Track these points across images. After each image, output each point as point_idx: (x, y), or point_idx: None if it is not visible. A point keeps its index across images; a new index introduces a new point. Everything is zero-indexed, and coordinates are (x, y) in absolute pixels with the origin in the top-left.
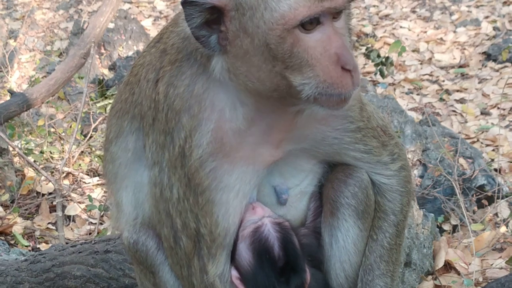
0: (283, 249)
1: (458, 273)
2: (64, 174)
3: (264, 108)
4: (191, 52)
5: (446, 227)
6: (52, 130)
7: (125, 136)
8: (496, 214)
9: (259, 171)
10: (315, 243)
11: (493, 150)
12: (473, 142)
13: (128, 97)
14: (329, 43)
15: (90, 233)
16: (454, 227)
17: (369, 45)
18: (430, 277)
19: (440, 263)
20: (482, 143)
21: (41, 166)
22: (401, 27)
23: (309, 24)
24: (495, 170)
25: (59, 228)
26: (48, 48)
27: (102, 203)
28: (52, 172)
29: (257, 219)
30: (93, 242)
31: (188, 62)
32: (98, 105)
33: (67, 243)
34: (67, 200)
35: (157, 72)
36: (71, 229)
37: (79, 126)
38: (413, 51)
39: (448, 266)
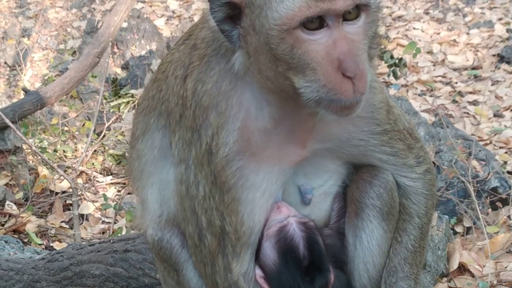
0: (308, 248)
1: (472, 275)
2: (78, 173)
3: (288, 107)
4: (219, 47)
5: (459, 229)
6: (66, 128)
7: (151, 133)
8: (509, 217)
9: (285, 171)
10: (338, 243)
11: (506, 152)
12: (486, 144)
13: (155, 94)
14: (333, 48)
15: (103, 232)
16: (467, 229)
17: (382, 46)
18: (444, 279)
19: (454, 265)
20: (495, 145)
21: (54, 165)
22: (414, 28)
23: (310, 23)
24: (508, 172)
25: (75, 227)
26: (61, 46)
27: (116, 202)
28: (65, 171)
29: (282, 219)
30: (111, 241)
31: (216, 57)
32: (111, 104)
33: (82, 242)
34: (80, 199)
35: (186, 68)
36: (85, 228)
37: (92, 126)
38: (427, 52)
39: (462, 268)
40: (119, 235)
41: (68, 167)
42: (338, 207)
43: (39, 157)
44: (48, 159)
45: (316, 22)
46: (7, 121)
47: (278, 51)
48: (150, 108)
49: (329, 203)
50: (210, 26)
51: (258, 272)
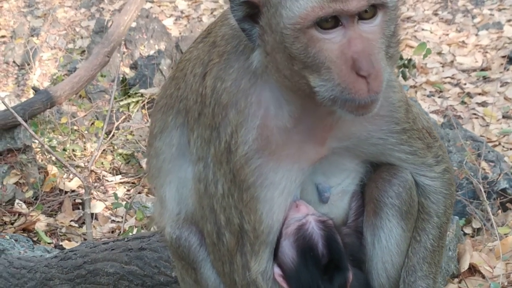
0: (327, 247)
1: (483, 277)
2: (90, 171)
3: (307, 106)
4: (238, 44)
5: (468, 230)
6: (75, 128)
7: (169, 131)
8: None
9: (304, 169)
10: (356, 242)
11: None
12: (495, 146)
13: (173, 92)
14: (348, 47)
15: (113, 231)
16: (476, 231)
17: None
18: (455, 280)
19: (465, 266)
20: (504, 146)
21: (67, 163)
22: (423, 29)
23: (325, 22)
24: None
25: (87, 225)
26: (70, 46)
27: (127, 202)
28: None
29: (301, 217)
30: (126, 239)
31: (236, 55)
32: (120, 103)
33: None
34: (90, 198)
35: (205, 66)
36: (94, 227)
37: (104, 125)
38: (436, 53)
39: (473, 269)
40: (130, 234)
41: (78, 166)
42: (356, 206)
43: (49, 156)
44: (56, 158)
45: (331, 22)
46: (19, 119)
47: (293, 50)
48: (168, 106)
49: (347, 202)
50: (230, 24)
51: (277, 270)
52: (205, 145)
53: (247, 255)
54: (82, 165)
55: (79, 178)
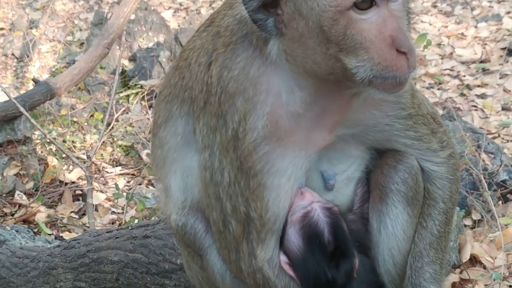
0: (333, 234)
1: (484, 267)
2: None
3: (322, 91)
4: (246, 35)
5: (468, 222)
6: (74, 119)
7: (174, 121)
8: None
9: (310, 156)
10: (362, 229)
11: None
12: (494, 138)
13: (177, 81)
14: (384, 25)
15: (113, 222)
16: (476, 222)
17: None
18: (457, 270)
19: (466, 257)
20: (503, 138)
21: (64, 155)
22: (422, 21)
23: (362, 3)
24: None
25: (89, 215)
26: (68, 38)
27: (128, 192)
28: (72, 161)
29: (306, 204)
30: (130, 227)
31: (243, 45)
32: (120, 95)
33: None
34: (87, 191)
35: (210, 55)
36: (94, 218)
37: (106, 116)
38: (435, 45)
39: (474, 260)
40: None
41: (78, 158)
42: (362, 193)
43: (49, 148)
44: (56, 150)
45: (367, 2)
46: (22, 109)
47: (331, 33)
48: (173, 95)
49: (352, 189)
50: (234, 15)
51: (283, 258)
52: (211, 133)
53: (253, 243)
54: (82, 156)
55: (81, 167)
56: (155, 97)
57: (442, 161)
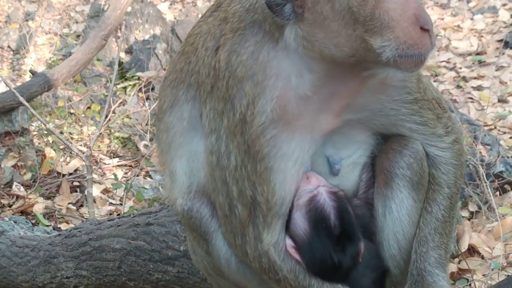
0: (339, 218)
1: (482, 257)
2: (91, 152)
3: (332, 75)
4: (254, 21)
5: (465, 213)
6: (71, 111)
7: (180, 105)
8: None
9: (316, 140)
10: (367, 214)
11: (511, 137)
12: (491, 129)
13: (183, 66)
14: (407, 4)
15: (110, 214)
16: (473, 214)
17: None
18: (455, 260)
19: (464, 247)
20: (499, 130)
21: (61, 146)
22: None
23: None
24: None
25: (89, 204)
26: (65, 31)
27: (127, 182)
28: (70, 152)
29: (312, 188)
30: (132, 215)
31: (252, 31)
32: (117, 86)
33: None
34: (86, 181)
35: (217, 40)
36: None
37: (106, 106)
38: None
39: (472, 250)
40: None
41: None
42: (367, 178)
43: (46, 139)
44: (53, 141)
45: None
46: (21, 99)
47: (360, 13)
48: (179, 80)
49: (357, 174)
50: (242, 2)
51: (289, 242)
52: (218, 118)
53: (259, 227)
54: (80, 148)
55: (81, 157)
56: (152, 89)
57: (447, 146)
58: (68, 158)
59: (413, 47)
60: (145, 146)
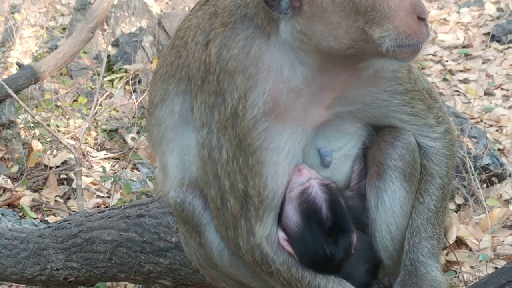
0: (331, 210)
1: (470, 249)
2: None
3: (324, 68)
4: (245, 16)
5: (451, 206)
6: (58, 104)
7: (171, 99)
8: (500, 195)
9: (307, 132)
10: (359, 205)
11: (497, 130)
12: (477, 122)
13: (173, 60)
14: None
15: (98, 206)
16: (459, 207)
17: None
18: (443, 252)
19: (452, 239)
20: (485, 123)
21: (48, 139)
22: None
23: None
24: (499, 150)
25: (78, 197)
26: (51, 23)
27: (115, 174)
28: (58, 145)
29: (304, 181)
30: (123, 207)
31: (242, 25)
32: (105, 79)
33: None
34: (74, 173)
35: (207, 34)
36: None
37: (95, 98)
38: None
39: (460, 242)
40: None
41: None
42: (359, 169)
43: (33, 132)
44: (40, 134)
45: None
46: (10, 91)
47: (361, 4)
48: (169, 74)
49: (349, 165)
50: None
51: (281, 234)
52: (209, 111)
53: (251, 220)
54: (67, 141)
55: (70, 149)
56: (139, 81)
57: (438, 137)
58: (55, 151)
59: (411, 36)
60: (132, 138)
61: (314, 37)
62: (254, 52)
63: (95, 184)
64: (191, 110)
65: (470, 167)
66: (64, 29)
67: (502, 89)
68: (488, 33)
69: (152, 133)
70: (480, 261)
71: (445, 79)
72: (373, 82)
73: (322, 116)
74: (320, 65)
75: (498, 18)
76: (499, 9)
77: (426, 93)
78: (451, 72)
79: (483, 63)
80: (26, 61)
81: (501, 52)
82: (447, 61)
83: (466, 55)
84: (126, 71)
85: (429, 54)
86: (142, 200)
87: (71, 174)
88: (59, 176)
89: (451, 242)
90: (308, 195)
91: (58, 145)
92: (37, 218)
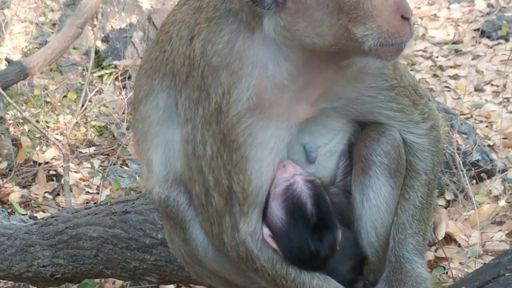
0: (316, 206)
1: (459, 245)
2: (68, 140)
3: (308, 64)
4: (230, 11)
5: (441, 202)
6: (47, 100)
7: (156, 95)
8: (490, 191)
9: (292, 128)
10: (344, 201)
11: (487, 126)
12: (467, 118)
13: (158, 55)
14: None
15: (87, 203)
16: (449, 203)
17: None
18: (432, 248)
19: (441, 235)
20: (475, 119)
21: (37, 135)
22: None
23: None
24: (489, 146)
25: (66, 193)
26: (40, 19)
27: (104, 171)
28: (47, 141)
29: (289, 177)
30: (109, 203)
31: (227, 20)
32: (94, 75)
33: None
34: (63, 169)
35: (192, 29)
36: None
37: (83, 94)
38: None
39: (449, 238)
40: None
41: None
42: (344, 165)
43: (22, 128)
44: (29, 130)
45: None
46: None
47: (345, 2)
48: (154, 69)
49: (334, 162)
50: None
51: (266, 231)
52: (193, 107)
53: (236, 216)
54: (56, 137)
55: (58, 145)
56: (129, 77)
57: (424, 133)
58: (44, 147)
59: (394, 35)
60: (121, 134)
61: (297, 34)
62: (238, 48)
63: (84, 180)
64: (175, 105)
65: (460, 163)
66: (54, 24)
67: (492, 85)
68: (478, 29)
69: (137, 128)
70: (469, 257)
71: (435, 75)
72: (358, 78)
73: (307, 112)
74: (304, 61)
75: (488, 14)
76: (489, 5)
77: (412, 89)
78: (441, 68)
79: (473, 59)
80: (16, 57)
81: (491, 48)
82: (437, 57)
83: (456, 51)
84: (115, 67)
85: (419, 50)
86: (128, 197)
87: (60, 170)
88: (48, 172)
89: (440, 238)
90: (293, 191)
91: (47, 141)
92: (26, 214)
